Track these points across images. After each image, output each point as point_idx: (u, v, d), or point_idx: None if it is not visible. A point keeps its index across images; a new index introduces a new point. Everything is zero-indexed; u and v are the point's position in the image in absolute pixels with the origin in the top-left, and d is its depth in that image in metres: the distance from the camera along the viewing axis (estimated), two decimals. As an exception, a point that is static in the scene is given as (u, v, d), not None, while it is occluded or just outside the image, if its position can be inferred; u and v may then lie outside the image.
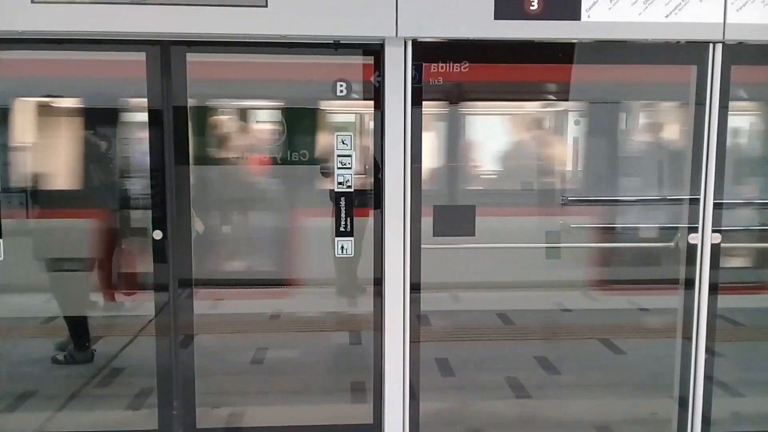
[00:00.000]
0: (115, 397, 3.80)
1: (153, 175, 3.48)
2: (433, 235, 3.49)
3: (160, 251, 3.50)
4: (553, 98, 3.83)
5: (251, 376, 3.90)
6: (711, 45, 3.42)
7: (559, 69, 3.57)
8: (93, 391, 3.81)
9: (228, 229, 3.93)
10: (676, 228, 3.66)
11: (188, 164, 3.48)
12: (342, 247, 3.56)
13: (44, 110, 3.65)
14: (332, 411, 3.79)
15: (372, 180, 3.52)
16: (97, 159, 3.73)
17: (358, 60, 3.48)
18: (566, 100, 3.76)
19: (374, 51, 3.40)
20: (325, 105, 3.66)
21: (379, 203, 3.47)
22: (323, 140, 3.62)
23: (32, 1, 3.13)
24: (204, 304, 3.69)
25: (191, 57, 3.39)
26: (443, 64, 3.45)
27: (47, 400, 3.75)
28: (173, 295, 3.54)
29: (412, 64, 3.34)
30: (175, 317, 3.55)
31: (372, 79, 3.46)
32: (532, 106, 3.97)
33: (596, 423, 3.87)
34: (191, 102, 3.44)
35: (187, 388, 3.60)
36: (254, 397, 3.88)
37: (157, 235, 3.49)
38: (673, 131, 3.86)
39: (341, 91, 3.53)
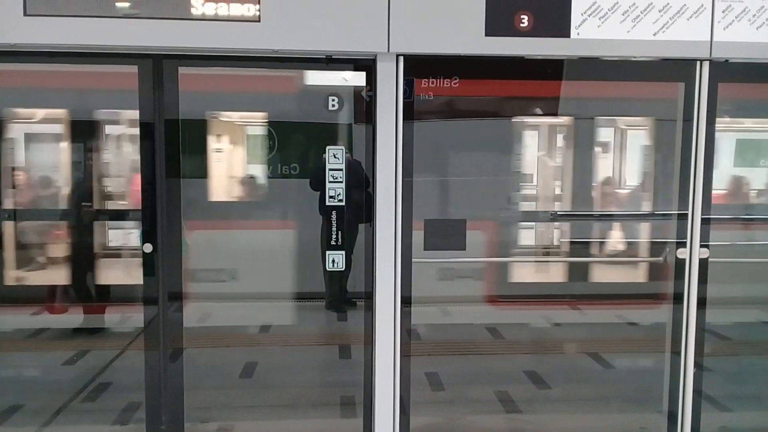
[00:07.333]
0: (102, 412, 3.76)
1: (144, 188, 3.47)
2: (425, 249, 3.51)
3: (149, 264, 3.49)
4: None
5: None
6: (698, 63, 3.47)
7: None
8: (80, 406, 3.77)
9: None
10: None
11: (179, 177, 3.48)
12: (333, 261, 3.57)
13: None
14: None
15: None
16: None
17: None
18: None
19: (366, 66, 3.43)
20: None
21: (369, 217, 3.48)
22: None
23: (25, 14, 3.13)
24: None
25: (183, 70, 3.40)
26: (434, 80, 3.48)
27: (33, 415, 3.71)
28: (162, 309, 3.52)
29: (404, 79, 3.37)
30: (164, 331, 3.53)
31: (363, 93, 3.48)
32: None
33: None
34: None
35: (176, 403, 3.57)
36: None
37: (147, 248, 3.48)
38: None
39: (333, 106, 3.55)
